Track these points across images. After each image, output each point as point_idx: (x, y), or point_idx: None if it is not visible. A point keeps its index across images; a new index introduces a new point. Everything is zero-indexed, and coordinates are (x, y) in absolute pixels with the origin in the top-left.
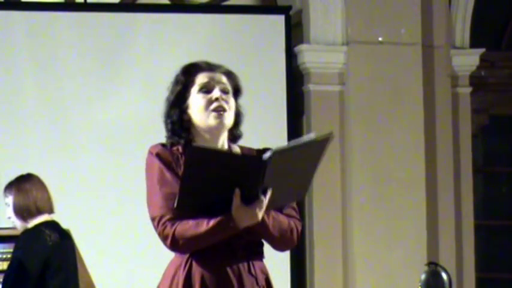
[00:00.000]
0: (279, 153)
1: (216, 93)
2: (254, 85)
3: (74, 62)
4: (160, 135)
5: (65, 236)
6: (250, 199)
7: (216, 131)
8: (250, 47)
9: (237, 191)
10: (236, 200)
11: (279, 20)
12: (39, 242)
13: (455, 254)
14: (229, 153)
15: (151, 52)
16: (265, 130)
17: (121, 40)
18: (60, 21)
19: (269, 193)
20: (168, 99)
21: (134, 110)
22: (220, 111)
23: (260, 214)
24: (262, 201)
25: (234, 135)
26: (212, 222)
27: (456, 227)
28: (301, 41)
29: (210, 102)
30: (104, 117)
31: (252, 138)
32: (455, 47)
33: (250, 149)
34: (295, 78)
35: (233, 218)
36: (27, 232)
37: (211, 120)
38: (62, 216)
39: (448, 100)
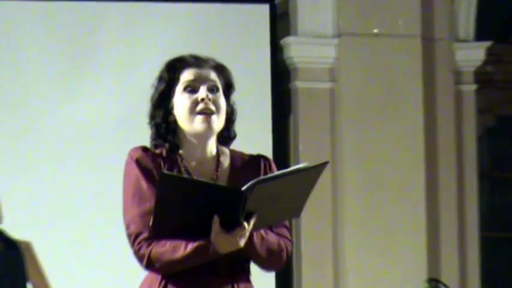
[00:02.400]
0: (262, 184)
1: (202, 93)
2: (236, 82)
3: (37, 58)
4: (138, 140)
5: (11, 247)
6: (232, 225)
7: (203, 136)
8: (231, 39)
9: (216, 218)
10: (215, 227)
11: (263, 10)
12: None
13: (458, 269)
14: (204, 182)
15: (124, 46)
16: (248, 131)
17: (90, 33)
18: (21, 10)
19: (254, 219)
20: (152, 98)
21: (107, 112)
22: (207, 114)
23: (242, 241)
24: (244, 229)
25: (226, 136)
26: (190, 247)
27: (459, 239)
28: (287, 33)
29: (195, 103)
30: (73, 122)
31: (236, 138)
32: (458, 40)
33: (241, 154)
34: (281, 74)
35: (213, 244)
36: None
37: (197, 124)
38: (27, 227)
39: (451, 98)
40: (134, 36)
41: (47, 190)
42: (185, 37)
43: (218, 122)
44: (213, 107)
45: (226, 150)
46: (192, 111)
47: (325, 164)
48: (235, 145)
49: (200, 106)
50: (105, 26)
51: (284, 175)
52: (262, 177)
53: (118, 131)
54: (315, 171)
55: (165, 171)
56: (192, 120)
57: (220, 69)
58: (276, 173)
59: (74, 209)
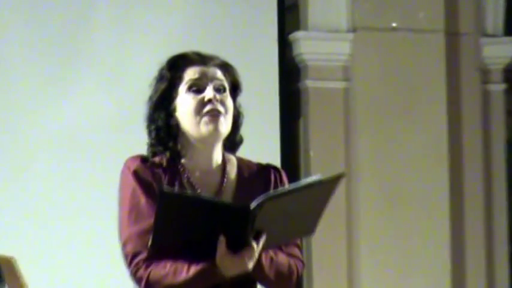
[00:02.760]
0: (272, 200)
1: (208, 93)
2: (242, 81)
3: (19, 55)
4: (134, 145)
5: None
6: (239, 245)
7: (209, 140)
8: (234, 34)
9: (222, 238)
10: (221, 248)
11: (269, 2)
12: None
13: None
14: (209, 200)
15: (116, 41)
16: (253, 137)
17: (79, 27)
18: (1, 1)
19: (263, 238)
20: (151, 99)
21: (99, 114)
22: (214, 115)
23: (251, 263)
24: (253, 249)
25: (232, 142)
26: (193, 270)
27: (487, 255)
28: (297, 27)
29: (201, 104)
30: (60, 125)
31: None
32: (485, 35)
33: (249, 163)
34: (290, 73)
35: (218, 266)
36: None
37: (203, 127)
38: (7, 240)
39: (477, 99)
40: (129, 30)
41: (32, 198)
42: (184, 31)
43: (226, 125)
44: (221, 108)
45: (232, 159)
46: (198, 112)
47: (341, 176)
48: (240, 152)
49: (207, 107)
50: (95, 18)
51: (296, 190)
52: (272, 192)
53: (111, 135)
54: (330, 184)
55: (165, 188)
56: (197, 123)
57: (226, 68)
58: (288, 187)
59: (60, 219)
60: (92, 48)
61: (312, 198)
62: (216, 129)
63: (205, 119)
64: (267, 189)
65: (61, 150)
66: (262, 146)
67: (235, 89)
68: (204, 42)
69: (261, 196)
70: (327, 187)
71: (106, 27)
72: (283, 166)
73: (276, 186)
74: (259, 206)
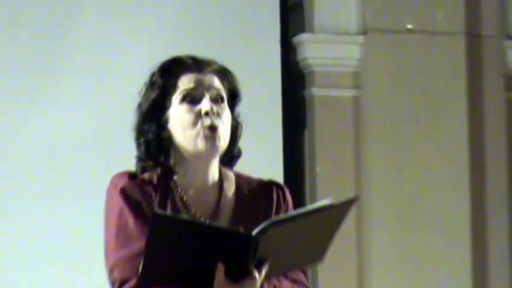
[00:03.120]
0: (277, 226)
1: (205, 105)
2: (241, 88)
3: None
4: (120, 159)
5: None
6: (240, 273)
7: (205, 157)
8: (232, 36)
9: (220, 267)
10: (219, 276)
11: (271, 1)
12: None
13: None
14: (207, 225)
15: (101, 43)
16: (254, 150)
17: (61, 28)
18: None
19: (266, 267)
20: (140, 108)
21: (83, 124)
22: (211, 130)
23: None
24: (255, 279)
25: (229, 155)
26: None
27: None
28: (302, 29)
29: (197, 117)
30: (41, 135)
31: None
32: (510, 38)
33: (249, 179)
34: (294, 79)
35: None
36: None
37: (199, 143)
38: None
39: (501, 107)
40: (115, 32)
41: (9, 214)
42: (176, 33)
43: (224, 140)
44: (218, 122)
45: (230, 175)
46: (194, 126)
47: (354, 200)
48: (237, 168)
49: (204, 121)
50: (79, 18)
51: (303, 215)
52: (276, 217)
53: (94, 147)
54: (342, 209)
55: (158, 211)
56: (193, 138)
57: (224, 74)
58: (294, 212)
59: (39, 237)
60: (75, 53)
61: (321, 224)
62: (212, 146)
63: (201, 134)
64: (269, 208)
65: (40, 163)
66: (263, 161)
67: (233, 97)
68: (197, 46)
69: (265, 222)
70: (337, 212)
71: (90, 30)
72: (286, 183)
73: (278, 205)
74: (262, 232)
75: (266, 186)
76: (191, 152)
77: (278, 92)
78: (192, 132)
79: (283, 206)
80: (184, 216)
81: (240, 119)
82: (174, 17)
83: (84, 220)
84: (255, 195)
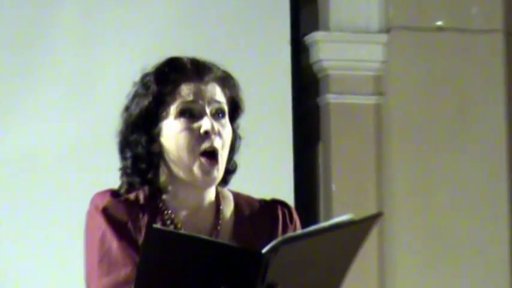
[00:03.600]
0: (289, 245)
1: (206, 124)
2: (244, 95)
3: None
4: (107, 175)
5: None
6: None
7: (202, 186)
8: (239, 36)
9: None
10: None
11: None
12: None
13: None
14: (211, 241)
15: (83, 43)
16: (261, 165)
17: (40, 25)
18: None
19: None
20: (128, 113)
21: (59, 136)
22: (210, 157)
23: None
24: None
25: (225, 171)
26: None
27: None
28: (315, 27)
29: (196, 138)
30: (18, 148)
31: (242, 176)
32: None
33: (249, 199)
34: (307, 85)
35: None
36: None
37: (195, 171)
38: None
39: None
40: (99, 33)
41: None
42: (177, 31)
43: (222, 164)
44: (218, 144)
45: (227, 193)
46: (193, 149)
47: (378, 216)
48: (240, 188)
49: (204, 144)
50: (59, 17)
51: (320, 232)
52: (288, 234)
53: (78, 160)
54: (364, 226)
55: (155, 225)
56: (190, 163)
57: (226, 82)
58: (309, 229)
59: (17, 259)
60: (54, 56)
61: (339, 243)
62: (210, 177)
63: (200, 160)
64: (274, 229)
65: (17, 178)
66: (270, 179)
67: (235, 109)
68: (200, 48)
69: (275, 240)
70: (359, 230)
71: (72, 30)
72: (298, 204)
73: (285, 225)
74: (272, 251)
75: (269, 205)
76: (185, 178)
77: (288, 99)
78: (188, 156)
79: (290, 226)
80: (183, 231)
81: (239, 131)
82: (169, 16)
83: (64, 233)
84: (257, 216)
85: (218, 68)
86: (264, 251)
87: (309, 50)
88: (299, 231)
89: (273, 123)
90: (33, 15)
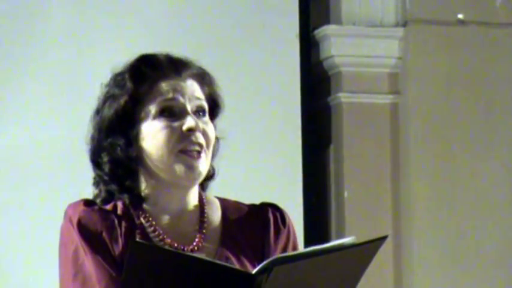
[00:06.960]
0: (283, 265)
1: (189, 121)
2: (249, 94)
3: None
4: (91, 173)
5: None
6: None
7: (185, 184)
8: (242, 30)
9: None
10: None
11: None
12: None
13: None
14: (198, 259)
15: (75, 42)
16: (267, 170)
17: (30, 25)
18: None
19: None
20: (101, 117)
21: (46, 137)
22: (194, 154)
23: None
24: None
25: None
26: None
27: None
28: (326, 20)
29: (177, 135)
30: (10, 144)
31: (247, 182)
32: None
33: (236, 204)
34: (317, 83)
35: None
36: None
37: (179, 167)
38: None
39: None
40: (91, 33)
41: None
42: (173, 29)
43: (207, 163)
44: (203, 141)
45: (213, 199)
46: (174, 147)
47: (382, 239)
48: (245, 192)
49: (187, 142)
50: (49, 17)
51: (316, 253)
52: (283, 254)
53: (64, 166)
54: (367, 249)
55: (138, 240)
56: (172, 161)
57: (204, 78)
58: (306, 249)
59: (6, 261)
60: (45, 56)
61: (342, 266)
62: (195, 173)
63: (182, 157)
64: (266, 231)
65: (11, 172)
66: (278, 184)
67: (214, 107)
68: (199, 45)
69: (267, 259)
70: (362, 253)
71: (60, 29)
72: (307, 211)
73: (277, 229)
74: (264, 271)
75: (259, 209)
76: (167, 178)
77: (296, 98)
78: (169, 155)
79: (283, 230)
80: (167, 247)
81: (217, 132)
82: (166, 11)
83: (53, 236)
84: (247, 220)
85: (194, 64)
86: (254, 271)
87: (319, 45)
88: (293, 251)
89: (280, 125)
90: (23, 15)
